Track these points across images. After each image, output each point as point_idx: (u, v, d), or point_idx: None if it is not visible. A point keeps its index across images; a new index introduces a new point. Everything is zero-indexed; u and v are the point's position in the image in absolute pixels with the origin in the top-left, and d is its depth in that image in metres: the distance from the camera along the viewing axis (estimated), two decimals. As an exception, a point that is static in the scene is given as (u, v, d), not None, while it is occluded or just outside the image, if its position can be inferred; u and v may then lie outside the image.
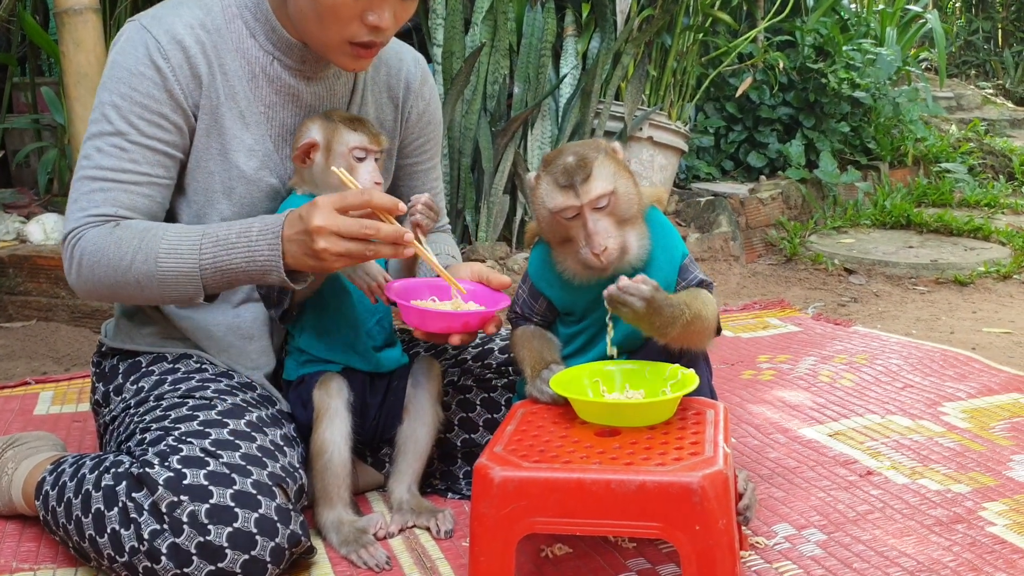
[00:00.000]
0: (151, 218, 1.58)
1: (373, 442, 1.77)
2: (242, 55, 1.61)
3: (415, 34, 3.64)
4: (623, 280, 1.37)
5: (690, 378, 1.40)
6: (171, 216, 1.66)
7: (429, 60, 3.48)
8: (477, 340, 1.85)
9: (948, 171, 5.11)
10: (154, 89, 1.54)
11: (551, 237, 1.50)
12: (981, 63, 8.68)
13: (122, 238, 1.50)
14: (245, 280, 1.50)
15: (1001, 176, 5.41)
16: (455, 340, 1.53)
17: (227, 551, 1.34)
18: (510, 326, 1.64)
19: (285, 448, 1.52)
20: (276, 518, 1.38)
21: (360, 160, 1.62)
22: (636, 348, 1.54)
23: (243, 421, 1.51)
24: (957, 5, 9.01)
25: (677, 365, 1.44)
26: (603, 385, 1.45)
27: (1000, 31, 8.77)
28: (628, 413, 1.38)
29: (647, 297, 1.36)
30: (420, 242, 1.54)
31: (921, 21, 5.69)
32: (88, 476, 1.46)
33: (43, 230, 3.26)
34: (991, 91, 7.83)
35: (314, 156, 1.62)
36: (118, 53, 1.56)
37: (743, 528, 1.53)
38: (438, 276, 1.57)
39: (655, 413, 1.38)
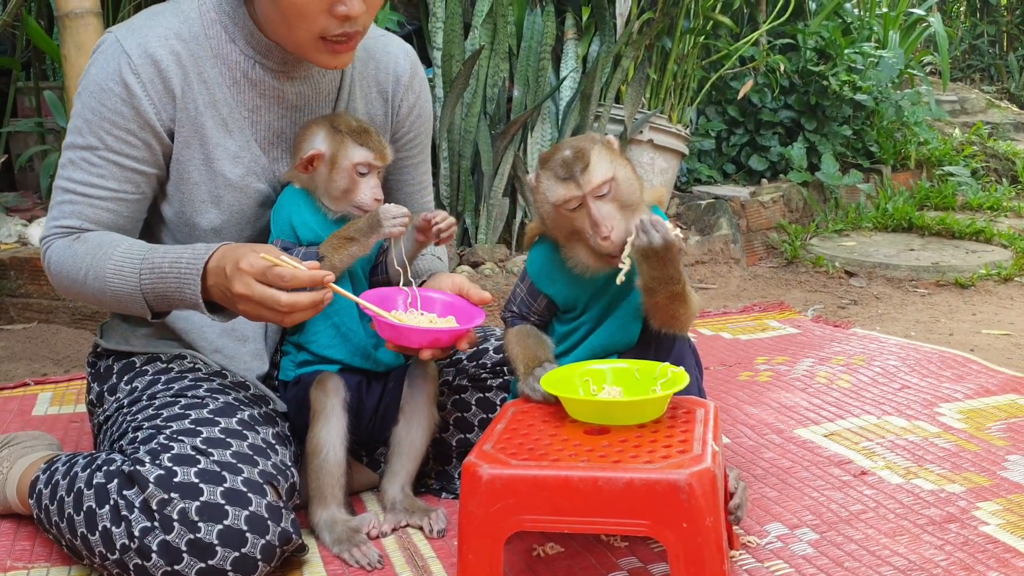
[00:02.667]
0: (117, 230, 1.59)
1: (369, 443, 1.77)
2: (222, 61, 1.60)
3: (415, 38, 3.65)
4: (656, 216, 1.41)
5: (680, 376, 1.40)
6: (162, 223, 1.66)
7: (428, 63, 3.49)
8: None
9: (951, 174, 5.09)
10: (122, 106, 1.54)
11: (557, 232, 1.51)
12: (986, 67, 8.67)
13: (77, 253, 1.54)
14: (183, 307, 1.51)
15: (1004, 179, 5.39)
16: (426, 355, 1.54)
17: (217, 548, 1.34)
18: (504, 325, 1.64)
19: (277, 446, 1.53)
20: (267, 516, 1.39)
21: (363, 175, 1.61)
22: (627, 348, 1.55)
23: (235, 419, 1.51)
24: (962, 9, 9.00)
25: (667, 364, 1.44)
26: (593, 384, 1.45)
27: (1005, 35, 8.75)
28: (618, 411, 1.38)
29: (669, 239, 1.39)
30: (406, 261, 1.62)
31: (924, 24, 5.68)
32: (80, 474, 1.47)
33: (44, 233, 3.27)
34: (995, 95, 7.81)
35: (317, 166, 1.60)
36: (92, 64, 1.57)
37: (734, 527, 1.53)
38: (421, 284, 1.65)
39: (645, 411, 1.38)
